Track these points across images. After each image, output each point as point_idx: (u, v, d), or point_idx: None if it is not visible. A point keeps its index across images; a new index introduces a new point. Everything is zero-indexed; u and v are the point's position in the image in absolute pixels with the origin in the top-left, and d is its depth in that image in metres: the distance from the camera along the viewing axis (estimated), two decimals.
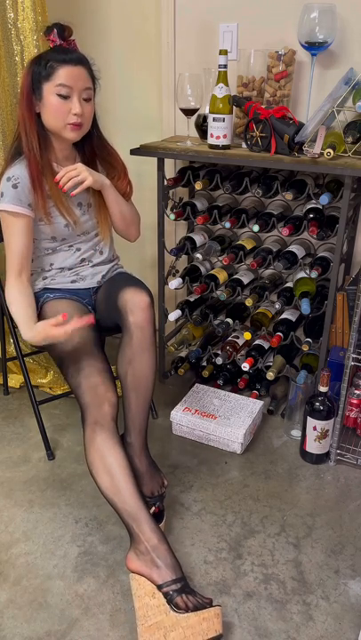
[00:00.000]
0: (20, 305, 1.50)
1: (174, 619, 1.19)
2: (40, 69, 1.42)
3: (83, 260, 1.65)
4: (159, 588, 1.23)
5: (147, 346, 1.46)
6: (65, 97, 1.43)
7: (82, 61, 1.44)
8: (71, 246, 1.62)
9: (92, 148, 1.61)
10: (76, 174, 1.48)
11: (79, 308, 1.57)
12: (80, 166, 1.50)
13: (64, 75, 1.41)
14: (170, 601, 1.21)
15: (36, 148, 1.48)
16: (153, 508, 1.45)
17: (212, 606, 1.22)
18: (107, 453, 1.33)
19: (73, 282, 1.64)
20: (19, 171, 1.48)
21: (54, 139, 1.52)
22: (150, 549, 1.27)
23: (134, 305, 1.45)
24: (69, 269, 1.63)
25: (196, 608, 1.21)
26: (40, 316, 1.59)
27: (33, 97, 1.46)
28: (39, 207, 1.50)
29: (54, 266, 1.62)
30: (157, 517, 1.46)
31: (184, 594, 1.23)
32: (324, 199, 1.66)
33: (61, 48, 1.45)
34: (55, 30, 1.44)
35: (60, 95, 1.42)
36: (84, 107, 1.46)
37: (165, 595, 1.22)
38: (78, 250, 1.63)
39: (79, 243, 1.63)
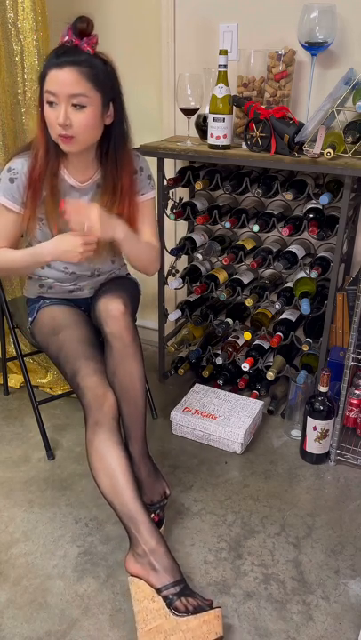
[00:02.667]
0: (6, 253, 1.45)
1: (174, 622, 1.18)
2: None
3: (79, 277, 1.57)
4: (158, 591, 1.22)
5: (128, 355, 1.41)
6: (52, 104, 1.28)
7: (75, 62, 1.25)
8: (66, 268, 1.51)
9: (112, 168, 1.43)
10: (85, 219, 1.31)
11: (76, 313, 1.54)
12: (95, 212, 1.31)
13: (49, 80, 1.26)
14: (169, 604, 1.20)
15: (42, 157, 1.39)
16: (152, 516, 1.43)
17: (212, 608, 1.21)
18: (106, 454, 1.31)
19: (71, 292, 1.59)
20: (20, 165, 1.40)
21: None
22: (148, 552, 1.25)
23: (107, 315, 1.41)
24: (67, 282, 1.58)
25: (196, 610, 1.19)
26: (35, 321, 1.57)
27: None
28: (28, 208, 1.42)
29: (50, 280, 1.56)
30: (156, 525, 1.45)
31: (183, 597, 1.21)
32: (324, 199, 1.66)
33: (62, 48, 1.27)
34: (70, 28, 1.26)
35: (48, 103, 1.29)
36: (74, 115, 1.28)
37: (165, 598, 1.21)
38: (73, 273, 1.54)
39: (72, 264, 1.50)
